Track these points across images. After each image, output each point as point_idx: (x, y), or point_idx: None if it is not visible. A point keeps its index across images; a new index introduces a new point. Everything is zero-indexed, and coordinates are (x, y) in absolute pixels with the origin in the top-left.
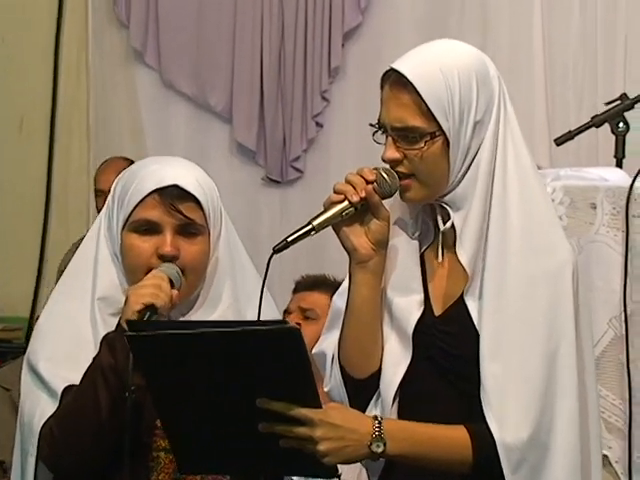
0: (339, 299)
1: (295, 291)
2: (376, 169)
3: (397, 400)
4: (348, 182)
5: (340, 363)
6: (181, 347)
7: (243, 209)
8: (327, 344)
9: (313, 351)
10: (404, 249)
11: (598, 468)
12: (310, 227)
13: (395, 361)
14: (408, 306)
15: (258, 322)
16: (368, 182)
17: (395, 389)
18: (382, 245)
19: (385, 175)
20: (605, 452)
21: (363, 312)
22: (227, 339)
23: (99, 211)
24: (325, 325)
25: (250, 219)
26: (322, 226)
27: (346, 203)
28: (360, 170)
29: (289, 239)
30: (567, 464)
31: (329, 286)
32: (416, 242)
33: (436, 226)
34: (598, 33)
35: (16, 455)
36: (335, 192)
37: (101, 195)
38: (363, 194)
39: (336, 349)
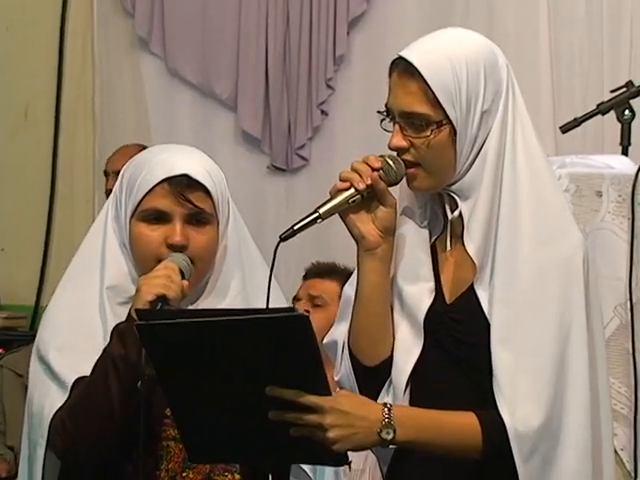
0: (350, 288)
1: (305, 278)
2: (382, 157)
3: (409, 388)
4: (354, 170)
5: (350, 351)
6: (190, 336)
7: (248, 197)
8: (338, 333)
9: (324, 340)
10: (413, 238)
11: (610, 456)
12: (317, 215)
13: (407, 349)
14: (419, 294)
15: (266, 310)
16: (374, 169)
17: (407, 377)
18: (389, 232)
19: (391, 162)
20: None
21: (372, 299)
22: (236, 327)
23: (107, 193)
24: (337, 314)
25: (255, 207)
26: (328, 214)
27: (352, 191)
28: (366, 158)
29: (295, 227)
30: (578, 453)
31: (339, 274)
32: (425, 231)
33: (445, 215)
34: (604, 21)
35: (24, 446)
36: (341, 180)
37: (107, 176)
38: (369, 181)
39: (346, 337)
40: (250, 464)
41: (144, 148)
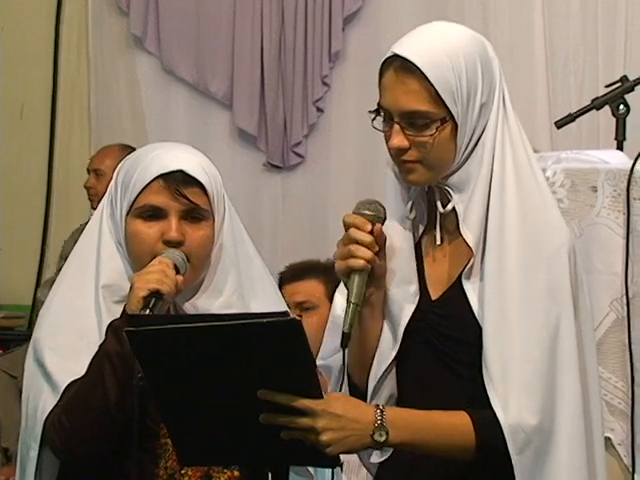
0: (340, 298)
1: (282, 283)
2: (357, 212)
3: (378, 394)
4: (355, 242)
5: (350, 379)
6: (181, 341)
7: (245, 195)
8: (332, 359)
9: (318, 362)
10: (398, 238)
11: (601, 449)
12: (355, 305)
13: (383, 354)
14: (403, 300)
15: (259, 314)
16: (370, 231)
17: (374, 383)
18: (381, 283)
19: (371, 213)
20: (608, 434)
21: (370, 340)
22: (226, 332)
23: (87, 188)
24: (326, 331)
25: (252, 204)
26: (360, 297)
27: (368, 266)
28: (353, 223)
29: (345, 329)
30: (571, 447)
31: (315, 270)
32: (409, 231)
33: (431, 210)
34: (599, 16)
35: (19, 447)
36: (351, 256)
37: (89, 174)
38: (377, 249)
39: (342, 366)
40: (246, 466)
41: (127, 148)
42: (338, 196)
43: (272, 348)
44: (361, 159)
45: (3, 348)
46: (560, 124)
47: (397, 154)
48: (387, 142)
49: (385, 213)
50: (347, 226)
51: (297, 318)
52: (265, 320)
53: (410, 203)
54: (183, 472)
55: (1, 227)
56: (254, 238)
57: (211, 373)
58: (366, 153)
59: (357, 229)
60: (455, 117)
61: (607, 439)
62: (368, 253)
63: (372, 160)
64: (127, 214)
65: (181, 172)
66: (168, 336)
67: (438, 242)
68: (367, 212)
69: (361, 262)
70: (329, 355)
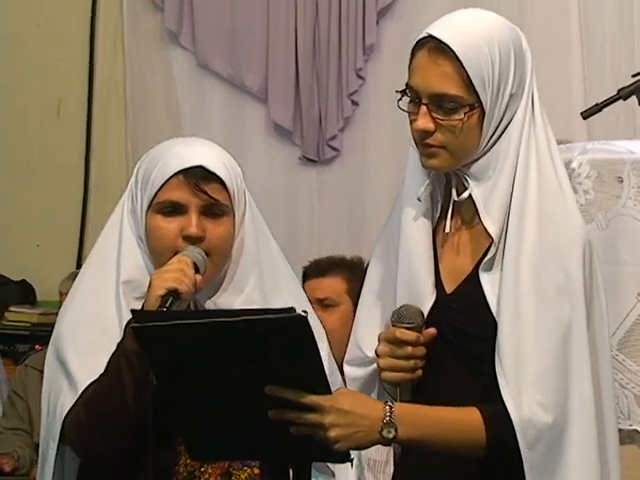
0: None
1: (305, 278)
2: (404, 327)
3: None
4: (411, 357)
5: None
6: (186, 337)
7: (280, 189)
8: (354, 375)
9: (345, 369)
10: (416, 226)
11: (615, 447)
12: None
13: None
14: (422, 291)
15: (265, 310)
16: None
17: None
18: None
19: (417, 323)
20: (636, 427)
21: None
22: (232, 329)
23: None
24: (351, 336)
25: (287, 199)
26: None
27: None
28: (405, 340)
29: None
30: (583, 443)
31: (340, 267)
32: (427, 220)
33: (446, 198)
34: (634, 8)
35: (40, 444)
36: (402, 370)
37: None
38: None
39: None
40: (265, 461)
41: None
42: (374, 189)
43: (278, 344)
44: (397, 152)
45: (41, 344)
46: (586, 115)
47: (421, 137)
48: (412, 124)
49: (422, 311)
50: (397, 341)
51: (302, 314)
52: (270, 316)
53: (426, 183)
54: (203, 469)
55: (38, 224)
56: (289, 233)
57: (218, 369)
58: (402, 146)
59: (412, 346)
60: (484, 104)
61: (635, 432)
62: (422, 363)
63: (408, 153)
64: (147, 210)
65: (201, 168)
66: (173, 332)
67: (447, 230)
68: (412, 324)
69: (419, 372)
70: (354, 361)
